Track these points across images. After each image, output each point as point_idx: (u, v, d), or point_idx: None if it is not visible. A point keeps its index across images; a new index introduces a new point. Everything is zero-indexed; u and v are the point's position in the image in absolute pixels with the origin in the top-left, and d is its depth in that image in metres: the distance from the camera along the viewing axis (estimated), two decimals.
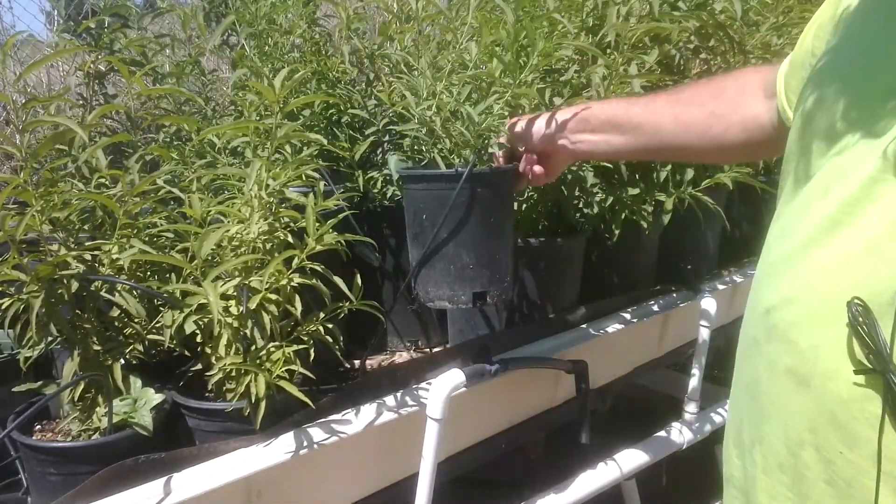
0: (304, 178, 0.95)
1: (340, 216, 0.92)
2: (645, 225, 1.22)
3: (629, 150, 0.91)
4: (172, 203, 1.00)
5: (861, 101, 0.52)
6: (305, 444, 0.83)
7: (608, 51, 1.15)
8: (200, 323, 0.85)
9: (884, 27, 0.54)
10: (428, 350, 1.32)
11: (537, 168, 0.96)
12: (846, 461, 0.49)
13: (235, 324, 0.82)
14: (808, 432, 0.51)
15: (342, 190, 1.09)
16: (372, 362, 1.25)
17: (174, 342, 0.85)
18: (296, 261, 0.84)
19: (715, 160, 0.98)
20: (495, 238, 0.93)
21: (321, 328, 0.88)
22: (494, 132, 0.95)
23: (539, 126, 0.95)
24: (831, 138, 0.53)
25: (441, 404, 0.88)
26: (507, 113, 1.03)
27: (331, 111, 1.33)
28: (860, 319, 0.46)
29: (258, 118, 1.01)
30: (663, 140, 0.87)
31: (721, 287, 1.53)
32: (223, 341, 0.81)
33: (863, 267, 0.48)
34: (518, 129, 0.97)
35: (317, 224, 0.85)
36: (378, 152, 1.37)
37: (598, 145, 0.92)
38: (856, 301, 0.47)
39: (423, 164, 1.30)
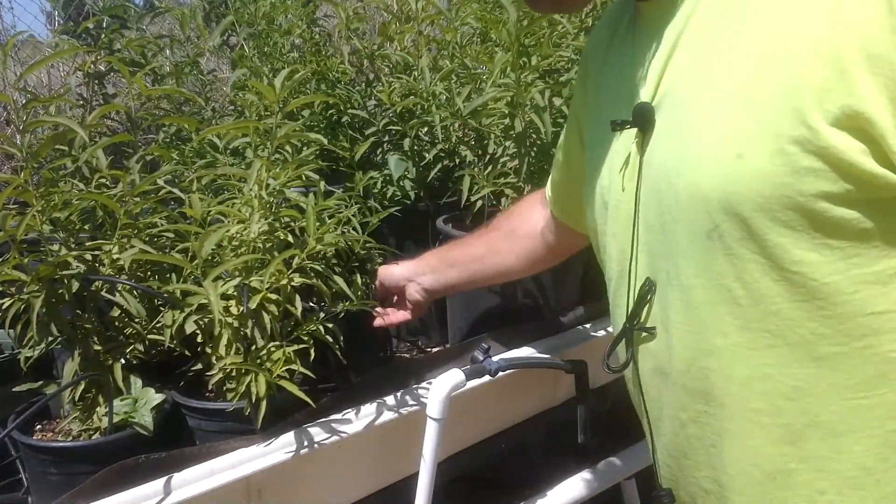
0: (304, 178, 0.95)
1: (375, 221, 1.03)
2: None
3: (464, 282, 1.03)
4: (173, 203, 1.00)
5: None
6: (306, 443, 0.84)
7: None
8: (201, 323, 0.85)
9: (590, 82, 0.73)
10: (428, 350, 1.32)
11: (392, 310, 1.08)
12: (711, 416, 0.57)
13: (236, 324, 0.82)
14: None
15: (342, 190, 1.09)
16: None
17: (175, 342, 0.85)
18: (296, 260, 0.85)
19: (538, 270, 1.05)
20: None
21: (321, 328, 0.88)
22: (494, 131, 0.95)
23: (391, 271, 1.07)
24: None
25: (441, 404, 0.88)
26: (506, 112, 1.03)
27: (331, 111, 1.33)
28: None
29: (258, 118, 1.01)
30: (486, 269, 0.99)
31: None
32: (223, 341, 0.81)
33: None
34: (380, 272, 1.09)
35: (317, 224, 0.86)
36: (378, 152, 1.37)
37: (437, 281, 1.03)
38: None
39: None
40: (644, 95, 0.59)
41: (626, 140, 0.61)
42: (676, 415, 0.61)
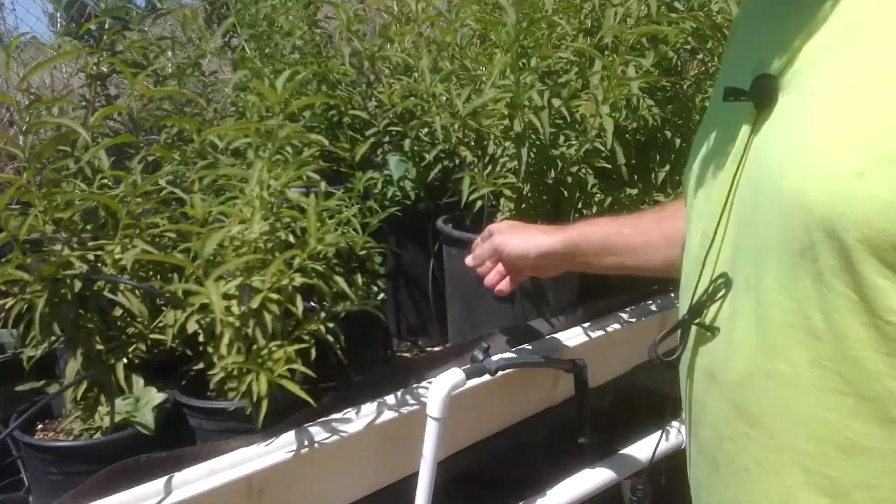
0: (305, 178, 0.96)
1: (376, 221, 1.02)
2: None
3: (612, 269, 0.92)
4: (174, 203, 1.00)
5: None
6: (306, 443, 0.84)
7: (606, 53, 1.16)
8: (202, 322, 0.85)
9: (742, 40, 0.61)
10: (428, 350, 1.32)
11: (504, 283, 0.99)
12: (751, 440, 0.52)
13: (237, 323, 0.82)
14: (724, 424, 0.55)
15: (343, 190, 1.09)
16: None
17: (176, 342, 0.85)
18: (297, 261, 0.85)
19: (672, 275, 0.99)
20: None
21: (322, 327, 0.88)
22: (493, 132, 0.96)
23: (519, 246, 0.92)
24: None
25: (441, 403, 0.89)
26: (506, 113, 1.03)
27: (331, 112, 1.34)
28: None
29: (260, 119, 1.01)
30: (652, 259, 0.87)
31: None
32: (225, 341, 0.82)
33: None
34: (499, 239, 0.95)
35: (318, 224, 0.86)
36: (378, 153, 1.37)
37: (582, 267, 0.93)
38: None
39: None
40: (771, 67, 0.50)
41: (740, 113, 0.53)
42: (716, 425, 0.56)
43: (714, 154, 0.57)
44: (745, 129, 0.52)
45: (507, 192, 1.17)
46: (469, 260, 1.01)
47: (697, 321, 0.56)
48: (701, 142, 0.60)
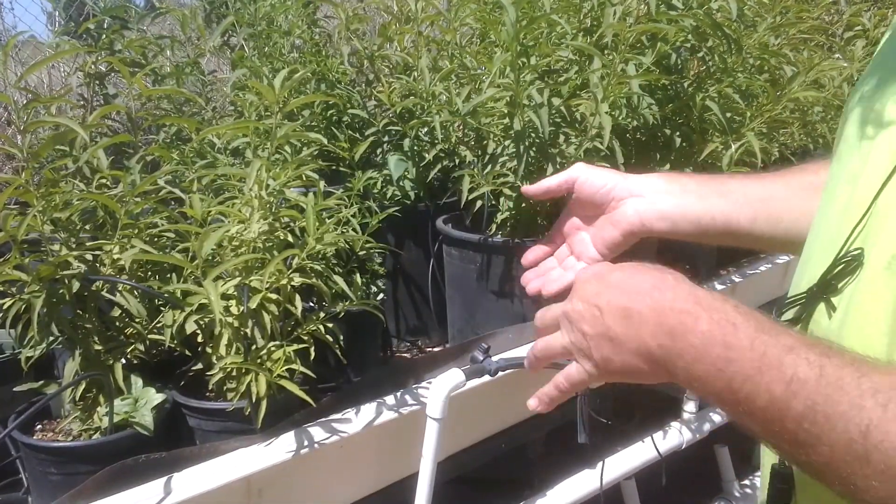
0: (303, 178, 0.96)
1: (376, 220, 0.96)
2: None
3: (730, 223, 0.70)
4: (173, 203, 1.00)
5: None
6: (306, 443, 0.84)
7: (606, 51, 1.16)
8: (201, 323, 0.85)
9: None
10: (428, 350, 1.32)
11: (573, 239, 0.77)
12: None
13: (236, 323, 0.82)
14: None
15: (342, 190, 1.09)
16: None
17: (175, 342, 0.85)
18: (296, 260, 0.85)
19: None
20: None
21: (321, 327, 0.88)
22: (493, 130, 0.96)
23: (598, 173, 0.73)
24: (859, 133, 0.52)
25: (441, 404, 0.88)
26: (506, 112, 1.03)
27: (330, 111, 1.33)
28: None
29: (258, 118, 1.01)
30: (769, 216, 0.70)
31: (720, 287, 1.54)
32: (224, 341, 0.82)
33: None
34: (579, 170, 0.74)
35: (317, 224, 0.86)
36: (378, 152, 1.37)
37: (686, 208, 0.70)
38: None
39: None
40: None
41: None
42: None
43: (882, 118, 0.49)
44: None
45: (507, 192, 1.17)
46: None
47: (827, 296, 0.49)
48: (864, 97, 0.52)
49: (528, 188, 0.79)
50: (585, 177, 0.74)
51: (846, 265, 0.48)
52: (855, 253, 0.47)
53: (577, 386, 0.58)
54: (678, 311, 0.48)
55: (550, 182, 0.77)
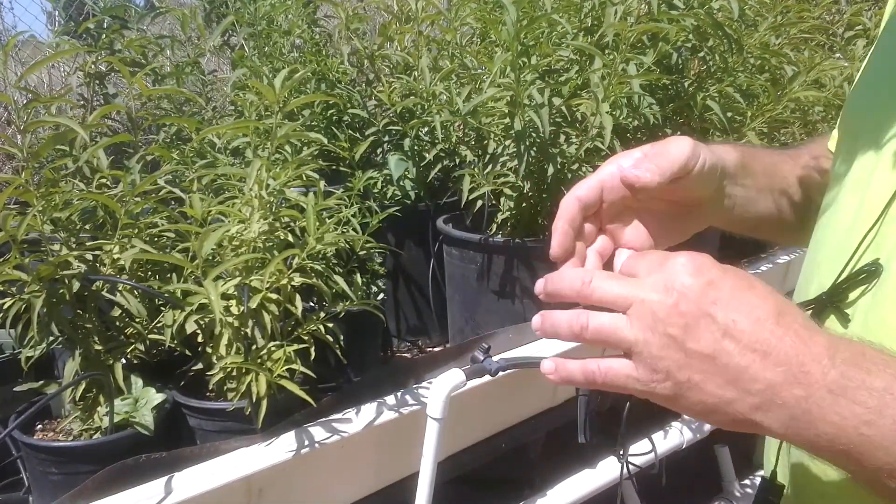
0: (304, 177, 0.96)
1: (376, 220, 0.96)
2: None
3: (751, 203, 0.63)
4: (173, 203, 1.00)
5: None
6: (306, 443, 0.84)
7: (606, 51, 1.16)
8: (201, 322, 0.85)
9: None
10: (428, 350, 1.32)
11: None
12: None
13: (236, 323, 0.82)
14: None
15: (342, 190, 1.09)
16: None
17: (175, 342, 0.85)
18: (296, 260, 0.85)
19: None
20: None
21: (322, 327, 0.88)
22: (493, 130, 0.95)
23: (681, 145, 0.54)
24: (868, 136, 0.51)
25: (441, 404, 0.88)
26: (506, 112, 1.03)
27: (331, 111, 1.33)
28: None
29: (258, 118, 1.01)
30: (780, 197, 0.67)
31: None
32: (224, 341, 0.82)
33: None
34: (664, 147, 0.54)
35: (317, 223, 0.86)
36: (378, 152, 1.37)
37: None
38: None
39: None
40: None
41: None
42: None
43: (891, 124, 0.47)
44: None
45: (507, 191, 1.17)
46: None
47: (835, 303, 0.48)
48: (867, 103, 0.51)
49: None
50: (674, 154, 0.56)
51: (866, 275, 0.46)
52: (872, 266, 0.45)
53: (613, 387, 0.47)
54: (840, 361, 0.39)
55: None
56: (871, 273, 0.46)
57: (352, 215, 1.03)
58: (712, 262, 0.44)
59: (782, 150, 0.69)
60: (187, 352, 0.88)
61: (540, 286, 0.49)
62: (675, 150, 0.52)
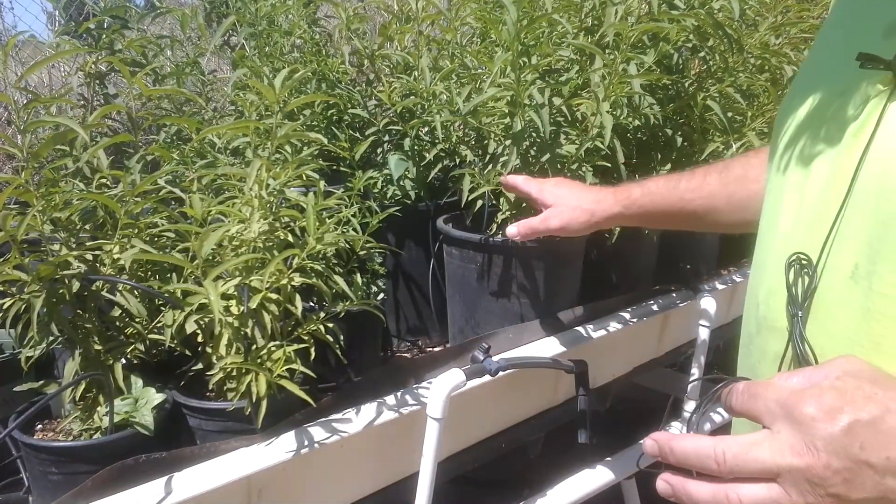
0: (304, 177, 0.96)
1: (376, 220, 0.97)
2: None
3: (672, 226, 0.98)
4: (173, 203, 1.00)
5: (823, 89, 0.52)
6: (306, 443, 0.84)
7: (607, 51, 1.15)
8: (201, 322, 0.85)
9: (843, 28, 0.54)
10: (428, 350, 1.32)
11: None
12: None
13: (236, 323, 0.82)
14: None
15: (342, 190, 1.09)
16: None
17: (175, 342, 0.85)
18: (296, 260, 0.85)
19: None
20: None
21: (321, 327, 0.88)
22: (494, 130, 0.95)
23: (575, 207, 0.94)
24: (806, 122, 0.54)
25: (441, 404, 0.88)
26: (506, 111, 1.03)
27: (331, 111, 1.33)
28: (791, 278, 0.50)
29: (258, 118, 1.01)
30: (717, 221, 0.87)
31: (720, 287, 1.54)
32: (224, 341, 0.82)
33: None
34: (551, 195, 0.97)
35: (317, 223, 0.86)
36: (378, 152, 1.37)
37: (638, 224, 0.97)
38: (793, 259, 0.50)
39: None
40: None
41: (865, 81, 0.46)
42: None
43: (821, 123, 0.50)
44: (875, 102, 0.45)
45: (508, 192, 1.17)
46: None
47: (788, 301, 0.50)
48: (796, 107, 0.54)
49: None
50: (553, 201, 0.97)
51: (798, 271, 0.49)
52: (804, 261, 0.48)
53: None
54: None
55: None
56: (803, 266, 0.49)
57: (352, 215, 1.03)
58: (833, 391, 0.41)
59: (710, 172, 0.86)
60: (187, 352, 0.88)
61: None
62: (561, 224, 0.94)
